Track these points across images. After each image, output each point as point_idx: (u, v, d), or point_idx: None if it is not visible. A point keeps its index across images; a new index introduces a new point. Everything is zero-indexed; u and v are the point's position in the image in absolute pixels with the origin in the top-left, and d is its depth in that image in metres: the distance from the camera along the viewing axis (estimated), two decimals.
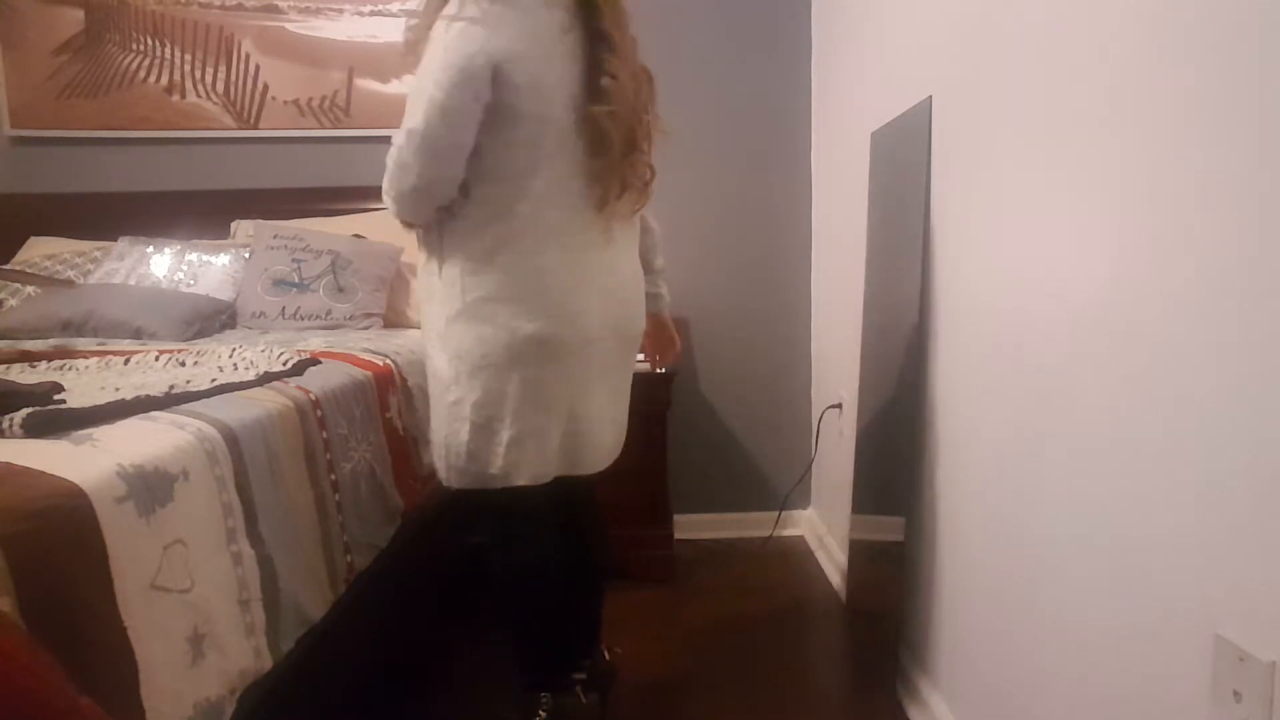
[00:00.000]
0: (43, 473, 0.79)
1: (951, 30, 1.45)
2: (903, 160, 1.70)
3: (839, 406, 2.37)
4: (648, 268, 1.57)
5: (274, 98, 2.69)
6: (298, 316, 2.26)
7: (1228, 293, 0.77)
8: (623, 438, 1.52)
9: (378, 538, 1.52)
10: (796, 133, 2.66)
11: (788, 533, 2.75)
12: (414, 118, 1.23)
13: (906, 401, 1.62)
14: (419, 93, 1.23)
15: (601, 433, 1.43)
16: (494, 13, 1.23)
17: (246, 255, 2.39)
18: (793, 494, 2.73)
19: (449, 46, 1.22)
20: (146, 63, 2.66)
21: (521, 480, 1.36)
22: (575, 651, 1.59)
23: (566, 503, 1.51)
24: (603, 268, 1.38)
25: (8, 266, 2.40)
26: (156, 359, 1.49)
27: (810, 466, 2.71)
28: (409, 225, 1.39)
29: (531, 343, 1.31)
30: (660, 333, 1.70)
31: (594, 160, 1.32)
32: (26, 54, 2.64)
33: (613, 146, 1.32)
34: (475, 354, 1.33)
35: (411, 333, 2.30)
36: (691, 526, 2.69)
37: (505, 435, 1.34)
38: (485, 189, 1.32)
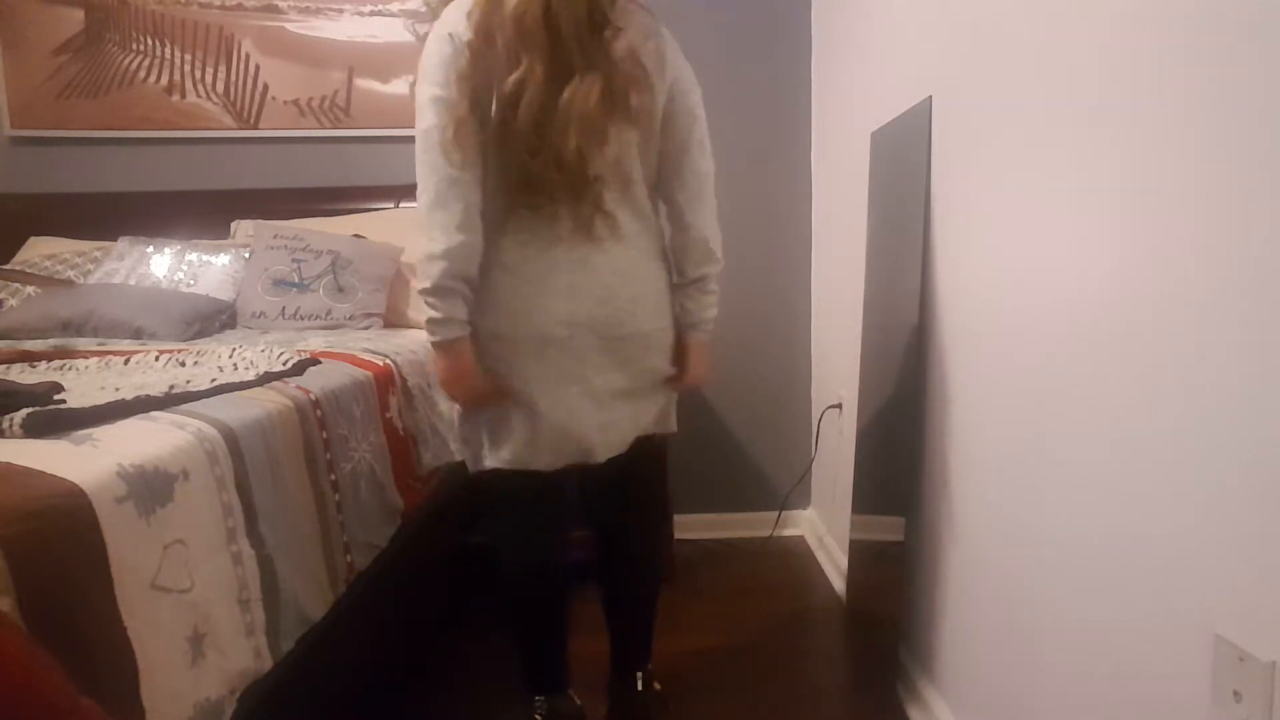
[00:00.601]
0: (43, 473, 0.79)
1: (951, 30, 1.45)
2: (903, 160, 1.70)
3: (839, 406, 2.37)
4: (679, 273, 1.44)
5: (274, 98, 2.69)
6: (298, 316, 2.26)
7: (1228, 292, 0.77)
8: (624, 437, 1.42)
9: (378, 538, 1.52)
10: (796, 133, 2.66)
11: (788, 533, 2.75)
12: (424, 119, 1.24)
13: (906, 401, 1.62)
14: (420, 98, 1.26)
15: (582, 432, 1.36)
16: (439, 8, 1.31)
17: (246, 255, 2.39)
18: (793, 494, 2.73)
19: (426, 49, 1.27)
20: (146, 63, 2.67)
21: (490, 463, 1.38)
22: (626, 657, 1.58)
23: (565, 505, 1.50)
24: (569, 264, 1.30)
25: (8, 266, 2.40)
26: (156, 359, 1.49)
27: (810, 466, 2.71)
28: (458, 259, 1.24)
29: (489, 337, 1.33)
30: (676, 359, 1.46)
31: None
32: (26, 54, 2.64)
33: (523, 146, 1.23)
34: None
35: (411, 333, 2.30)
36: (691, 526, 2.69)
37: (479, 419, 1.39)
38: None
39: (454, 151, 1.21)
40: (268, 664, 1.07)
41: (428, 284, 1.24)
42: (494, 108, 1.24)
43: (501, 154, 1.27)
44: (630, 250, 1.36)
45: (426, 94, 1.24)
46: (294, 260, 2.32)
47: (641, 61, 1.29)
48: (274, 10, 2.67)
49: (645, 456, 1.49)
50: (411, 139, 1.26)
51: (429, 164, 1.23)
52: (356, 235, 2.46)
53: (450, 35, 1.24)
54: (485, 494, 1.43)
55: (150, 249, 2.40)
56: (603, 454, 1.40)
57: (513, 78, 1.21)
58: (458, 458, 1.93)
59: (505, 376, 1.33)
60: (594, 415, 1.37)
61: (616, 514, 1.56)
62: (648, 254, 1.39)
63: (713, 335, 1.50)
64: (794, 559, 2.57)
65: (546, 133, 1.22)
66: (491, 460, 1.38)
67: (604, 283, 1.33)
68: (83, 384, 1.20)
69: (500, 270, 1.31)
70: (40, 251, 2.46)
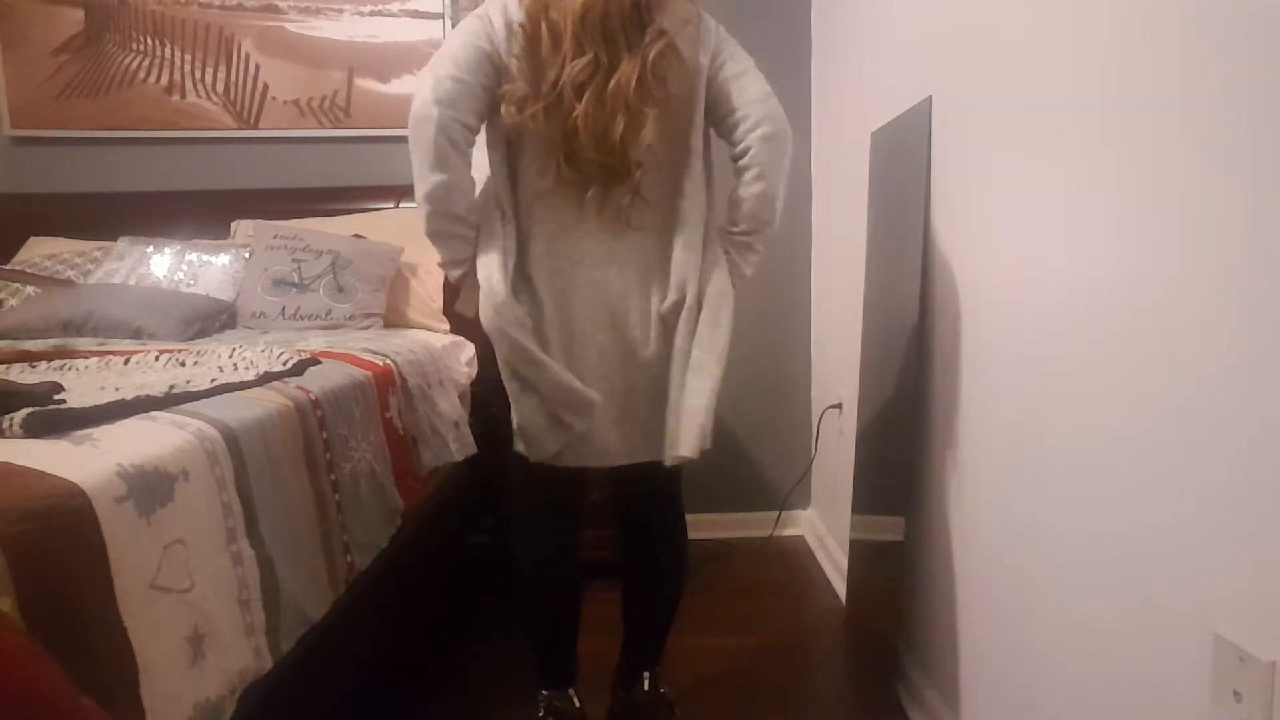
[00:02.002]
0: (43, 473, 0.79)
1: (951, 30, 1.46)
2: (903, 160, 1.70)
3: (839, 406, 2.37)
4: (731, 222, 1.42)
5: (274, 98, 2.69)
6: (298, 316, 2.26)
7: (1228, 291, 0.77)
8: (646, 444, 1.37)
9: (378, 538, 1.52)
10: (796, 133, 2.61)
11: (788, 533, 2.75)
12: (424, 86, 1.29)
13: (906, 401, 1.62)
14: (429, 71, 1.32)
15: (600, 433, 1.36)
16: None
17: (246, 255, 2.38)
18: (793, 494, 2.73)
19: (458, 27, 1.33)
20: (146, 63, 2.67)
21: (523, 448, 1.37)
22: (638, 656, 1.58)
23: (570, 504, 1.50)
24: (595, 259, 1.31)
25: (8, 266, 2.40)
26: (156, 359, 1.49)
27: (810, 466, 2.71)
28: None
29: (519, 330, 1.32)
30: None
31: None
32: (26, 54, 2.64)
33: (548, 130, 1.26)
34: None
35: (411, 333, 2.30)
36: (691, 526, 2.65)
37: (516, 411, 1.36)
38: (499, 160, 1.35)
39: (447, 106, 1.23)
40: (268, 664, 1.07)
41: (424, 229, 1.31)
42: (540, 92, 1.24)
43: (541, 137, 1.27)
44: (657, 244, 1.34)
45: (440, 70, 1.25)
46: (294, 260, 2.32)
47: (678, 48, 1.28)
48: (274, 10, 2.67)
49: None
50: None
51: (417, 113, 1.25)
52: (356, 235, 2.46)
53: (489, 15, 1.28)
54: (499, 492, 1.42)
55: (150, 249, 2.40)
56: (617, 457, 1.37)
57: (580, 63, 1.22)
58: (457, 458, 1.93)
59: (532, 370, 1.33)
60: (610, 413, 1.35)
61: (641, 513, 1.55)
62: (667, 247, 1.36)
63: None
64: (794, 559, 2.57)
65: (596, 117, 1.23)
66: (522, 446, 1.37)
67: (628, 278, 1.32)
68: (83, 384, 1.20)
69: (531, 264, 1.32)
70: (40, 251, 2.46)
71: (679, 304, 1.35)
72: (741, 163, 1.36)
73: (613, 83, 1.22)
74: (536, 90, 1.24)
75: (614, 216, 1.30)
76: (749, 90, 1.35)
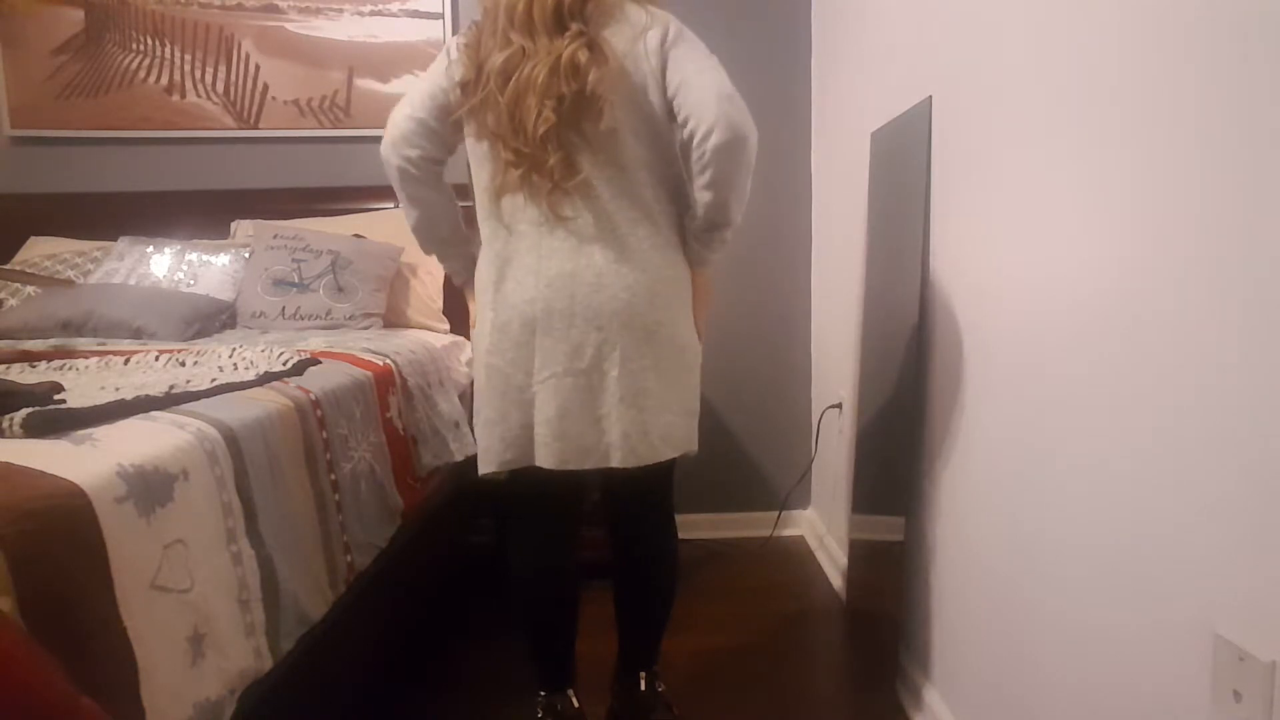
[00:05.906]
0: (43, 473, 0.79)
1: (951, 30, 1.46)
2: (903, 160, 1.70)
3: (839, 406, 2.37)
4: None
5: (274, 98, 2.69)
6: (298, 316, 2.26)
7: (1228, 293, 0.77)
8: (597, 446, 1.34)
9: (378, 538, 1.52)
10: (796, 133, 2.66)
11: (788, 533, 2.75)
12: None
13: (906, 401, 1.62)
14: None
15: (538, 435, 1.35)
16: None
17: (246, 255, 2.39)
18: (793, 494, 2.73)
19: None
20: (146, 63, 2.66)
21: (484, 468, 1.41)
22: (633, 657, 1.59)
23: (554, 508, 1.50)
24: (545, 251, 1.32)
25: (8, 266, 2.40)
26: (156, 359, 1.49)
27: (810, 466, 2.71)
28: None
29: (495, 331, 1.37)
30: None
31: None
32: (26, 54, 2.64)
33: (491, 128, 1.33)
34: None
35: (411, 333, 2.30)
36: (691, 526, 2.68)
37: (481, 421, 1.41)
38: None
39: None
40: (267, 664, 1.07)
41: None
42: (480, 78, 1.31)
43: (483, 127, 1.33)
44: (612, 236, 1.32)
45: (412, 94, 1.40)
46: (294, 260, 2.32)
47: (602, 52, 1.27)
48: (274, 10, 2.67)
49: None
50: None
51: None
52: (356, 235, 2.46)
53: (449, 45, 1.39)
54: (493, 494, 1.43)
55: (150, 249, 2.40)
56: (555, 460, 1.33)
57: (505, 53, 1.30)
58: (457, 458, 1.93)
59: (498, 371, 1.35)
60: (546, 413, 1.33)
61: (629, 515, 1.55)
62: (629, 243, 1.33)
63: (710, 333, 1.51)
64: (794, 559, 2.57)
65: (514, 106, 1.29)
66: (484, 465, 1.40)
67: (569, 272, 1.31)
68: (83, 384, 1.20)
69: (500, 261, 1.36)
70: (40, 251, 2.46)
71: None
72: (695, 170, 1.31)
73: (525, 72, 1.28)
74: (477, 76, 1.32)
75: (555, 214, 1.32)
76: (702, 93, 1.27)
